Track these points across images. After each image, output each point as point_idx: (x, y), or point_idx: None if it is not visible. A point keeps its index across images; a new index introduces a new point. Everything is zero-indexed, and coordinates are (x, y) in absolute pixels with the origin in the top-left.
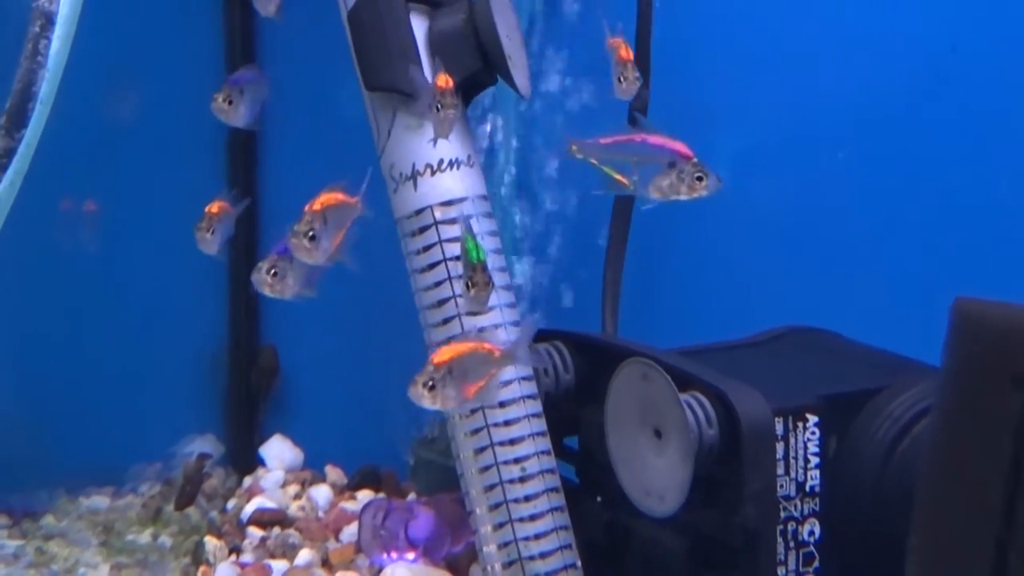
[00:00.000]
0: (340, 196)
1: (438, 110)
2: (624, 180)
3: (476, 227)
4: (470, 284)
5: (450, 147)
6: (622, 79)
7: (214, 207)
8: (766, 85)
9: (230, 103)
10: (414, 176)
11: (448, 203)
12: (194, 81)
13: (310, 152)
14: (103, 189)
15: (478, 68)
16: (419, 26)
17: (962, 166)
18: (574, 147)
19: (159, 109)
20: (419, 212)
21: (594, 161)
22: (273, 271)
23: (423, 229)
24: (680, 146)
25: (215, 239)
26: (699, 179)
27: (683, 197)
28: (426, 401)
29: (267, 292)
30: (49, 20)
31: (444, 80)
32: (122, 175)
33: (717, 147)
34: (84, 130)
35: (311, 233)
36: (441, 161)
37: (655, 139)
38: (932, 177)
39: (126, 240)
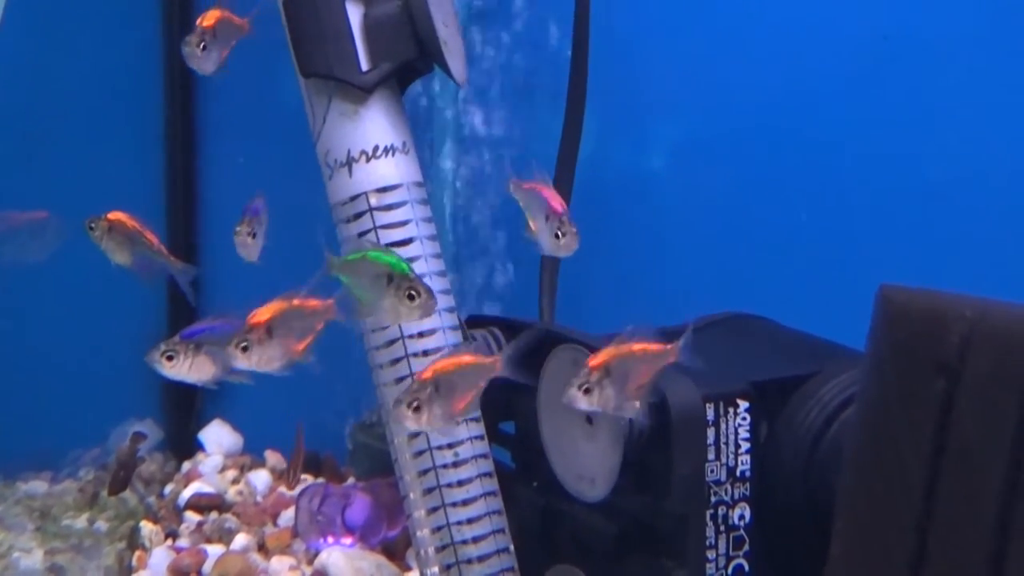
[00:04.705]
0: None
1: None
2: None
3: (411, 214)
4: (414, 295)
5: (385, 133)
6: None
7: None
8: (701, 74)
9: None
10: (349, 162)
11: (383, 190)
12: (131, 67)
13: (247, 139)
14: (40, 176)
15: (414, 55)
16: (354, 12)
17: (893, 154)
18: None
19: (95, 96)
20: (354, 198)
21: None
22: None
23: (358, 215)
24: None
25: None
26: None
27: None
28: (410, 422)
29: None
30: None
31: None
32: (59, 161)
33: (654, 136)
34: (19, 117)
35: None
36: (376, 147)
37: None
38: (862, 165)
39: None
